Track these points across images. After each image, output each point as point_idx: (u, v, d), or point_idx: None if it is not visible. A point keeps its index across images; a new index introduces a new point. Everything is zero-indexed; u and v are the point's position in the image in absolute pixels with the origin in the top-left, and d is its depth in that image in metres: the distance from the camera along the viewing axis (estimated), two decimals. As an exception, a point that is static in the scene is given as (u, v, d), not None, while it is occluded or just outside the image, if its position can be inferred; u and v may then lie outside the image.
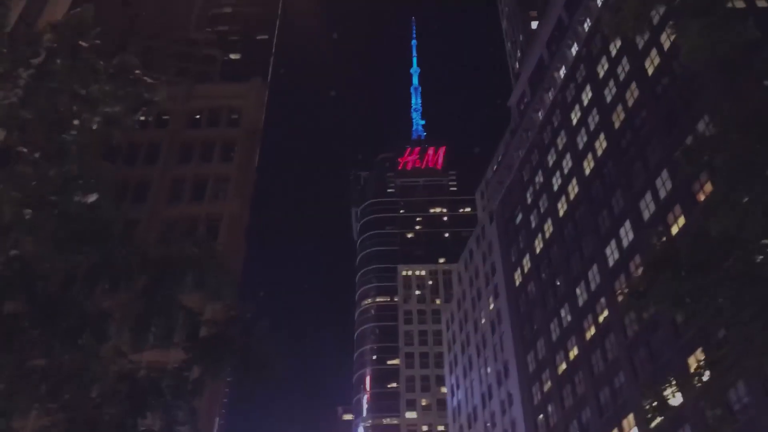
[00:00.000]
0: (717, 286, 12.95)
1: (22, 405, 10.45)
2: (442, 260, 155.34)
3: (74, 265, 10.59)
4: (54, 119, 9.03)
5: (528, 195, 76.44)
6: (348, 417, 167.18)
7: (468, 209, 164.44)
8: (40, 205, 9.80)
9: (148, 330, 11.10)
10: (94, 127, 9.48)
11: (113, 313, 11.03)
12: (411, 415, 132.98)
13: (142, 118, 9.96)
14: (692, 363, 44.54)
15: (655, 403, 15.13)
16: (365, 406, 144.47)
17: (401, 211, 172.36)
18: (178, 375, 11.78)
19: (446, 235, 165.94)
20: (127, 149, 52.77)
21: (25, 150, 9.98)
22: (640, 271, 51.88)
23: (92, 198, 9.98)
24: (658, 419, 45.43)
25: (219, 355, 11.49)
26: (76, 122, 9.22)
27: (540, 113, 76.69)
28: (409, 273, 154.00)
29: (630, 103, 57.14)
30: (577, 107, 67.20)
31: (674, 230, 48.09)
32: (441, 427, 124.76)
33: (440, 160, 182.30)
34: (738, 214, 12.69)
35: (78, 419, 10.58)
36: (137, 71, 9.38)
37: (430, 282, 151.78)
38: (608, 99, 60.92)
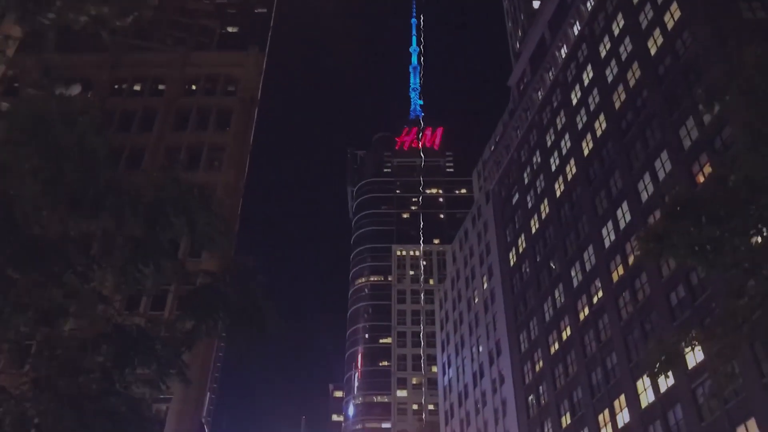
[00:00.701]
0: (739, 234, 12.56)
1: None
2: (436, 241, 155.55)
3: (59, 208, 10.14)
4: (30, 6, 8.48)
5: (525, 175, 76.04)
6: (339, 394, 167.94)
7: (464, 191, 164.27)
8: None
9: (134, 276, 10.65)
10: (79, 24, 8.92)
11: (99, 258, 10.60)
12: (401, 393, 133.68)
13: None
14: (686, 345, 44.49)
15: (664, 358, 14.74)
16: (356, 383, 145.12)
17: (397, 191, 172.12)
18: (169, 326, 11.36)
19: (441, 216, 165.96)
20: (121, 115, 52.15)
21: (1, 36, 9.40)
22: (637, 252, 51.84)
23: (75, 90, 9.49)
24: (650, 400, 45.04)
25: (212, 307, 11.03)
26: (52, 15, 8.65)
27: (540, 93, 76.05)
28: (404, 253, 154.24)
29: (631, 83, 56.63)
30: (577, 87, 66.64)
31: (672, 212, 47.78)
32: (431, 406, 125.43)
33: (438, 140, 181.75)
34: (763, 160, 12.27)
35: (59, 359, 10.15)
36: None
37: (424, 262, 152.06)
38: (609, 79, 60.38)
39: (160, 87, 56.97)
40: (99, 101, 50.76)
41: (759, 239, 12.74)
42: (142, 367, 11.25)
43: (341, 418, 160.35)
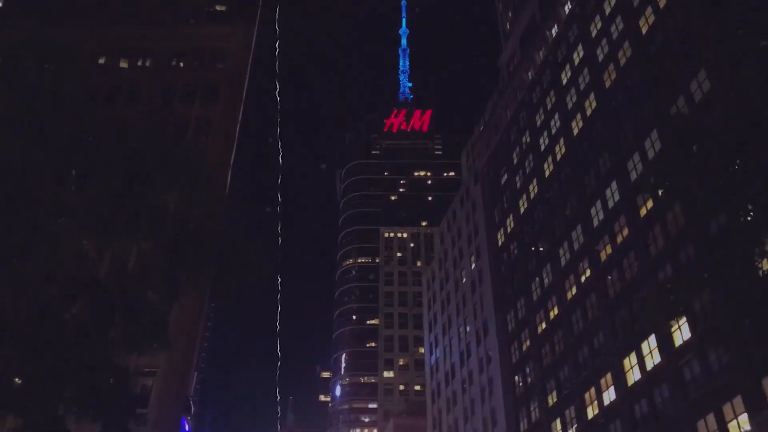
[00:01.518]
0: (755, 168, 12.19)
1: None
2: (424, 223, 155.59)
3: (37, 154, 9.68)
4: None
5: (514, 155, 75.76)
6: (326, 375, 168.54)
7: (452, 173, 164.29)
8: None
9: (114, 227, 10.23)
10: None
11: (77, 211, 10.16)
12: (388, 374, 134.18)
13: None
14: (673, 323, 44.59)
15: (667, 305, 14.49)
16: (343, 364, 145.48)
17: (385, 173, 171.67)
18: (146, 279, 10.96)
19: (429, 198, 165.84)
20: (106, 89, 51.29)
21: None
22: (625, 232, 51.80)
23: None
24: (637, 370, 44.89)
25: (196, 253, 10.64)
26: None
27: (530, 73, 75.63)
28: (391, 235, 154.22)
29: (622, 62, 56.26)
30: (567, 66, 66.23)
31: (661, 191, 47.66)
32: (417, 387, 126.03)
33: (426, 123, 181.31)
34: None
35: (26, 303, 9.74)
36: None
37: (412, 244, 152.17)
38: (600, 58, 60.00)
39: (146, 61, 56.02)
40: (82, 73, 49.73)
41: None
42: (123, 325, 10.86)
43: (328, 399, 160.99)
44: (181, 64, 56.35)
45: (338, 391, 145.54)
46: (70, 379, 9.38)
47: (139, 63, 56.12)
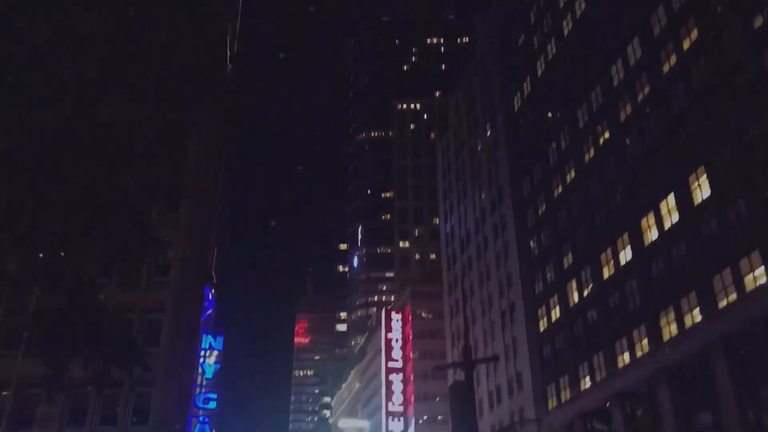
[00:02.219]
0: None
1: None
2: (438, 93, 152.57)
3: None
4: None
5: (531, 14, 72.39)
6: (343, 247, 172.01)
7: (466, 39, 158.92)
8: None
9: (111, 81, 9.50)
10: None
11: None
12: (404, 244, 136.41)
13: None
14: (693, 182, 44.01)
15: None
16: (360, 236, 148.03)
17: (396, 42, 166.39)
18: (150, 125, 10.31)
19: (443, 67, 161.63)
20: None
21: None
22: (646, 90, 50.09)
23: None
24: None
25: (199, 93, 9.96)
26: None
27: (549, -76, 70.71)
28: (404, 107, 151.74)
29: None
30: None
31: (686, 45, 45.65)
32: (433, 256, 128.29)
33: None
34: None
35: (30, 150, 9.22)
36: None
37: (425, 116, 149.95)
38: None
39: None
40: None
41: None
42: (134, 169, 10.35)
43: (346, 269, 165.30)
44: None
45: (356, 262, 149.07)
46: (74, 209, 8.91)
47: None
